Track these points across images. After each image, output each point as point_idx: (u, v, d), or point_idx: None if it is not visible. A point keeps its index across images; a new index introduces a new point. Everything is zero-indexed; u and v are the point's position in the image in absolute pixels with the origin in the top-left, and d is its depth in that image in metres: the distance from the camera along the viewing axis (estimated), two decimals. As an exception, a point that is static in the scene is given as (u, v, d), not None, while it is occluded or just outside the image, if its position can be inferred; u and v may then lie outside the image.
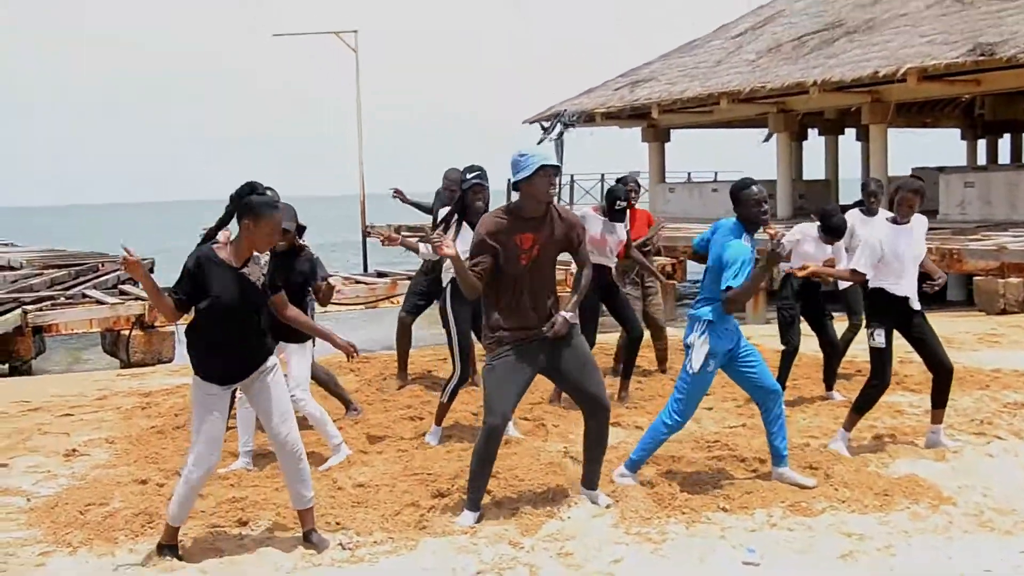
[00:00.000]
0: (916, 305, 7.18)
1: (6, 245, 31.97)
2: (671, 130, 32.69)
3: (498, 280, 5.89)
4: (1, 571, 5.52)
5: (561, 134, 29.64)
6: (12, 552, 5.77)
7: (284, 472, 5.77)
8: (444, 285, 7.98)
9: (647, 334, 9.93)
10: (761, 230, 6.53)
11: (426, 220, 12.70)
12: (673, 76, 29.16)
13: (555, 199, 6.03)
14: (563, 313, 5.99)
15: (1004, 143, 34.14)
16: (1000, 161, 33.22)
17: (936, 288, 7.44)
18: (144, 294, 14.73)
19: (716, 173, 38.69)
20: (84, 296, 15.69)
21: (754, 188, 6.35)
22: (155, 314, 13.61)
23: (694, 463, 7.00)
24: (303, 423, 6.63)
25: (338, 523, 6.02)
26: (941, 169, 25.60)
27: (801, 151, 32.55)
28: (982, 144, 34.34)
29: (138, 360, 13.45)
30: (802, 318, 9.05)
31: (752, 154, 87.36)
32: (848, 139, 33.36)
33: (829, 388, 9.19)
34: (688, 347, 6.48)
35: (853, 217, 9.35)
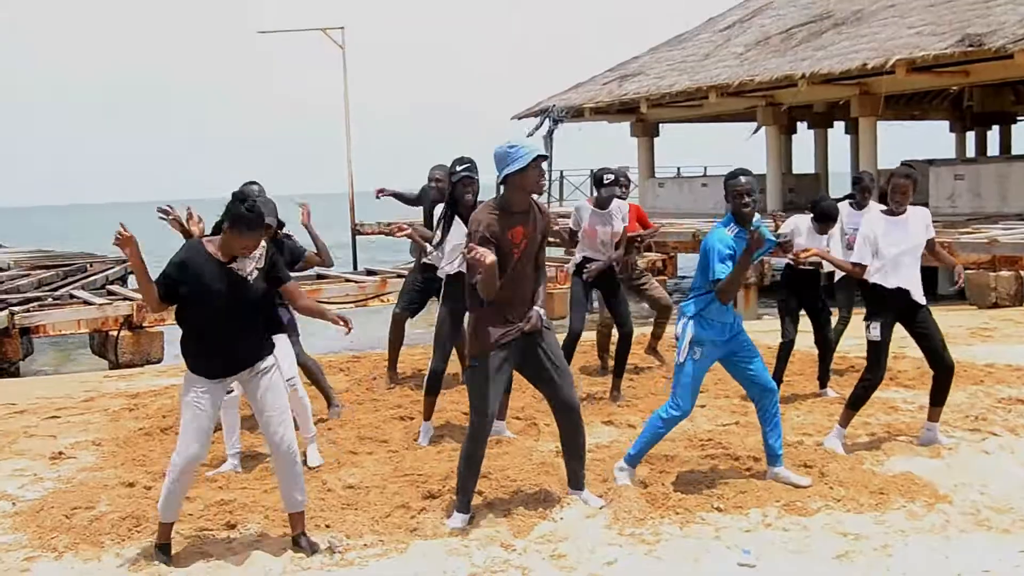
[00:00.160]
0: (919, 299, 7.07)
1: (-6, 246, 31.89)
2: (660, 124, 32.70)
3: None
4: (-15, 577, 5.46)
5: (552, 131, 29.56)
6: (-3, 558, 5.69)
7: (278, 475, 5.72)
8: (442, 281, 7.91)
9: (645, 329, 9.88)
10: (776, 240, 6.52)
11: (408, 212, 12.62)
12: (661, 70, 29.13)
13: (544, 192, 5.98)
14: (536, 308, 5.93)
15: (993, 135, 34.18)
16: (989, 153, 33.25)
17: (959, 284, 7.42)
18: (133, 295, 14.69)
19: (705, 168, 38.74)
20: (72, 297, 15.58)
21: (741, 179, 6.28)
22: (143, 315, 13.52)
23: (687, 462, 6.94)
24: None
25: (327, 525, 5.96)
26: (931, 162, 25.60)
27: (790, 145, 32.58)
28: (971, 136, 34.37)
29: (127, 361, 13.35)
30: (804, 312, 9.01)
31: (741, 148, 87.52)
32: (837, 132, 33.45)
33: (823, 385, 9.14)
34: (678, 339, 6.46)
35: (841, 210, 9.32)
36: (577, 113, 30.11)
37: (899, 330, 7.16)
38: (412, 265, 9.94)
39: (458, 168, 7.75)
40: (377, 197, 11.20)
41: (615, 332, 9.29)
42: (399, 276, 15.25)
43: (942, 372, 7.15)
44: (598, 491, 6.32)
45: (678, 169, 39.59)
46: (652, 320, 10.56)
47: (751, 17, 30.32)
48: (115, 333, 13.48)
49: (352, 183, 30.04)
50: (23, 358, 13.96)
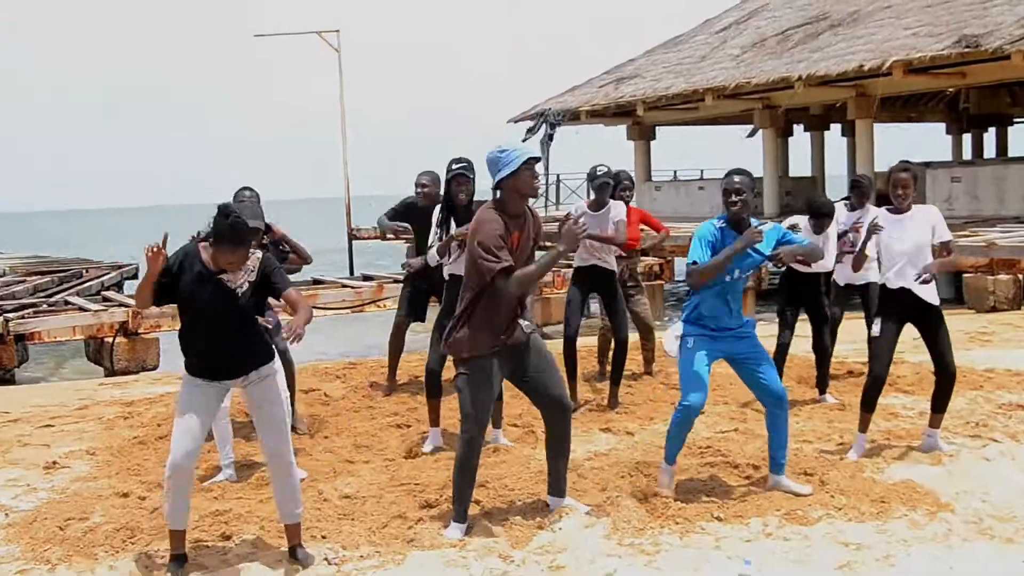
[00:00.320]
0: (929, 299, 6.96)
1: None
2: (656, 127, 32.64)
3: (487, 284, 5.72)
4: (-23, 592, 5.41)
5: (550, 135, 29.46)
6: (-11, 571, 5.64)
7: (274, 485, 5.67)
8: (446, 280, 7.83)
9: (634, 337, 9.82)
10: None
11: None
12: (658, 72, 29.08)
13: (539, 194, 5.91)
14: (521, 321, 5.88)
15: (989, 137, 34.14)
16: (985, 155, 33.20)
17: (922, 282, 7.03)
18: (128, 301, 14.63)
19: (702, 171, 38.70)
20: (67, 303, 15.50)
21: (734, 178, 6.23)
22: (139, 321, 13.44)
23: (687, 470, 6.88)
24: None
25: (324, 536, 5.89)
26: (927, 164, 25.57)
27: (787, 147, 32.51)
28: (967, 138, 34.32)
29: (122, 368, 13.26)
30: (806, 316, 8.97)
31: (738, 151, 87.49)
32: (834, 135, 33.37)
33: (822, 391, 9.09)
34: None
35: (837, 211, 9.29)
36: (573, 116, 30.05)
37: (911, 331, 7.09)
38: (406, 273, 9.79)
39: (454, 166, 7.68)
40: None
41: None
42: (396, 281, 15.18)
43: (944, 377, 7.09)
44: (596, 500, 6.26)
45: (675, 172, 39.56)
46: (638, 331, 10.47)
47: (747, 19, 30.28)
48: (110, 340, 13.42)
49: (348, 188, 29.99)
50: (18, 365, 13.88)
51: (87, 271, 22.08)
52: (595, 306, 9.93)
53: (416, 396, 9.62)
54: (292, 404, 8.51)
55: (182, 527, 5.55)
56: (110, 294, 17.44)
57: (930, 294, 6.96)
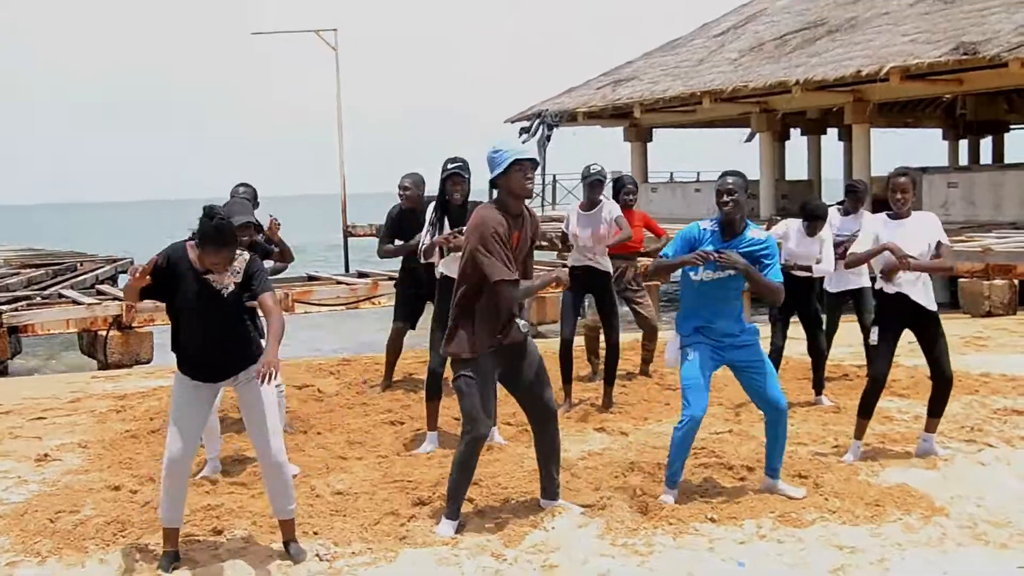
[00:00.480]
0: (926, 305, 6.91)
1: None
2: (653, 129, 32.64)
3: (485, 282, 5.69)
4: (-34, 583, 5.37)
5: (548, 136, 29.40)
6: (-22, 563, 5.60)
7: (266, 483, 5.65)
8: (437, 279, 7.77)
9: (633, 337, 9.82)
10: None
11: None
12: (655, 75, 29.09)
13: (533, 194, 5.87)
14: (518, 320, 5.84)
15: (986, 143, 34.19)
16: (982, 162, 33.23)
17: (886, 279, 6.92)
18: (121, 294, 14.58)
19: (699, 173, 38.68)
20: (61, 296, 15.47)
21: (728, 179, 6.19)
22: (132, 315, 13.41)
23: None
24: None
25: (316, 532, 5.86)
26: (924, 170, 25.57)
27: (784, 151, 32.52)
28: (964, 144, 34.36)
29: (116, 361, 13.23)
30: (796, 320, 8.95)
31: (735, 154, 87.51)
32: (831, 139, 33.42)
33: (818, 393, 9.07)
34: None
35: (830, 215, 9.28)
36: (570, 117, 30.04)
37: (907, 335, 7.08)
38: (400, 273, 9.72)
39: (449, 166, 7.62)
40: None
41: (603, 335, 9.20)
42: (390, 279, 15.12)
43: (941, 383, 7.07)
44: (590, 499, 6.24)
45: (671, 174, 39.53)
46: (641, 331, 10.48)
47: (745, 23, 30.29)
48: (104, 333, 13.38)
49: (344, 185, 29.96)
50: (11, 357, 13.85)
51: (81, 264, 22.01)
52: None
53: (410, 393, 9.60)
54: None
55: (176, 525, 5.54)
56: (104, 287, 17.40)
57: (927, 300, 6.93)
